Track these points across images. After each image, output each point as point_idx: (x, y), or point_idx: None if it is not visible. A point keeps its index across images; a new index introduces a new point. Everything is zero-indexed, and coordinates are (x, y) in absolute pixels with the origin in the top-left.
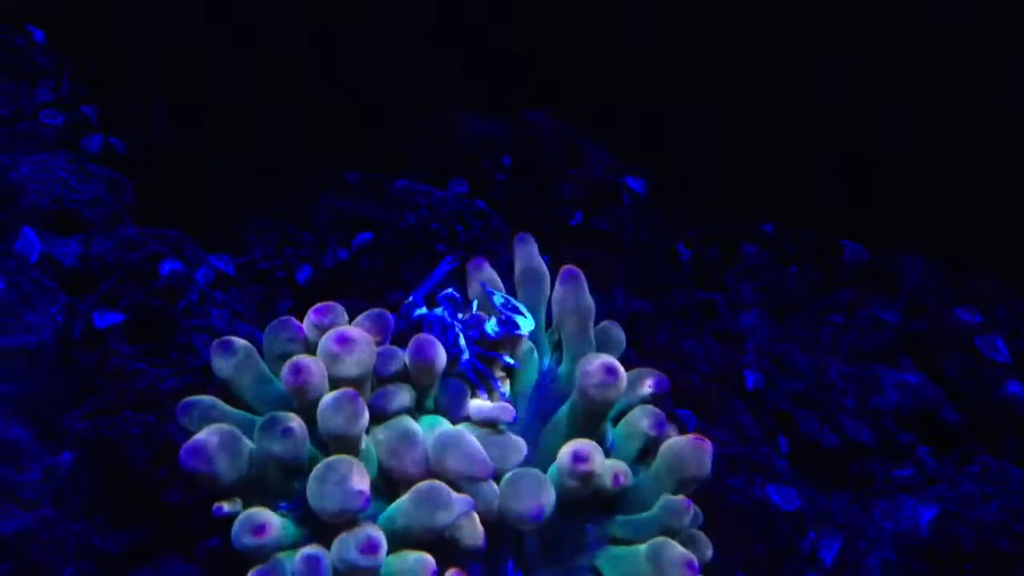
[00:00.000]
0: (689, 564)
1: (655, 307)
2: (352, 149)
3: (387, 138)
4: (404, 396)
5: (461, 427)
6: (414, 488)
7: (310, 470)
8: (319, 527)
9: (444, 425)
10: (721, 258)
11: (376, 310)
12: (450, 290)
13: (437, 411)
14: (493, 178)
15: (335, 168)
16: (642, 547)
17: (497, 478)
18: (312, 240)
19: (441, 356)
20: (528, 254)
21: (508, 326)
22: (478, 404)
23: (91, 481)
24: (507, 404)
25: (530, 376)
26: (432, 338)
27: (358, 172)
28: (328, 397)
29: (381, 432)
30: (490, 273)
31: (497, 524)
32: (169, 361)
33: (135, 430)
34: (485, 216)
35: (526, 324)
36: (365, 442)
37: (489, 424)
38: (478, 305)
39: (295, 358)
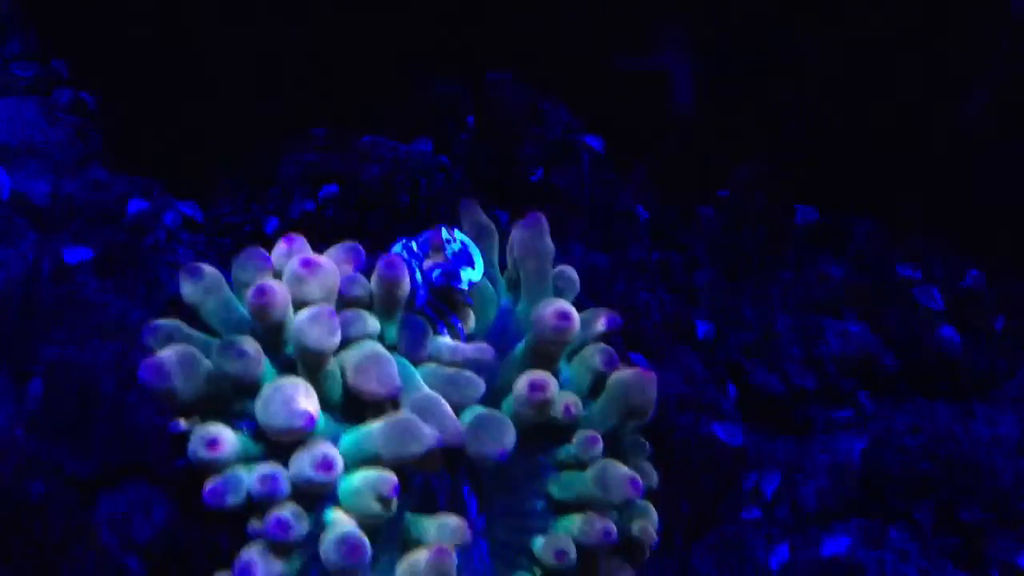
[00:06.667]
0: (632, 482)
1: (612, 261)
2: (318, 111)
3: (352, 100)
4: (370, 322)
5: (429, 367)
6: (386, 420)
7: None
8: (275, 444)
9: (414, 378)
10: (678, 219)
11: (349, 243)
12: (405, 238)
13: (397, 348)
14: (457, 137)
15: (301, 127)
16: (589, 469)
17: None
18: (279, 193)
19: (407, 278)
20: (474, 213)
21: (450, 278)
22: (451, 343)
23: (61, 406)
24: (485, 344)
25: (488, 314)
26: (400, 257)
27: (324, 127)
28: (303, 313)
29: (347, 353)
30: (479, 216)
31: (454, 453)
32: (136, 294)
33: (104, 357)
34: (448, 170)
35: (471, 275)
36: (331, 364)
37: (463, 365)
38: (432, 249)
39: (260, 280)
